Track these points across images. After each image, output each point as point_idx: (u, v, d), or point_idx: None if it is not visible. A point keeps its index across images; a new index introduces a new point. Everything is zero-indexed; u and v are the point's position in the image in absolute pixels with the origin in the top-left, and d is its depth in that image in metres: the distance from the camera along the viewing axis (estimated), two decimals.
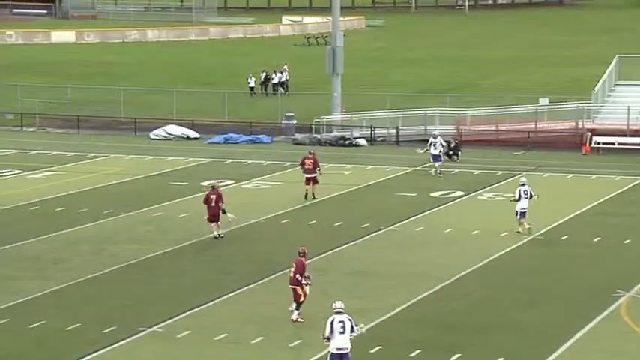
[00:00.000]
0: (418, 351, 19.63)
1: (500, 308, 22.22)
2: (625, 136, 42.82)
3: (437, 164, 36.80)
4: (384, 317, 21.56)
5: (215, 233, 28.16)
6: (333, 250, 26.99)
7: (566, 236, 28.44)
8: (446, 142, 40.20)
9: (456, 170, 38.20)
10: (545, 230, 28.93)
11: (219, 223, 28.21)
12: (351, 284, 23.94)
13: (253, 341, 20.30)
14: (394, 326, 21.14)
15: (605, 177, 36.96)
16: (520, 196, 28.30)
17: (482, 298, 23.04)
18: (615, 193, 34.06)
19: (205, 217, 28.32)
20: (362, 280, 24.47)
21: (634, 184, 35.61)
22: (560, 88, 56.06)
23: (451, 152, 40.38)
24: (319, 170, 33.14)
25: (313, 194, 32.94)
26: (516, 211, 28.33)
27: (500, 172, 37.21)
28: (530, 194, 28.34)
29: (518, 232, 28.26)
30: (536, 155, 41.52)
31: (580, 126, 44.43)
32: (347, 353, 17.48)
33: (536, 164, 39.45)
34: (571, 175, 37.52)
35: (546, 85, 58.51)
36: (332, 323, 17.45)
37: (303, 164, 33.25)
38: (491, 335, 20.59)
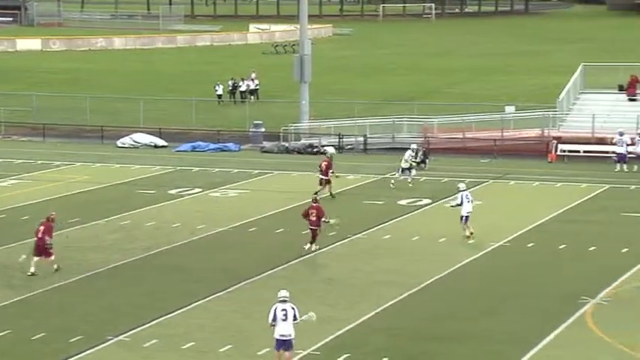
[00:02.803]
0: (386, 359, 19.68)
1: (468, 316, 22.32)
2: (590, 143, 43.21)
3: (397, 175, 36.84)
4: (352, 325, 21.59)
5: (32, 270, 24.97)
6: (301, 259, 26.99)
7: (532, 244, 28.65)
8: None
9: (424, 178, 38.34)
10: (511, 238, 29.12)
11: (50, 258, 25.23)
12: (319, 292, 23.96)
13: (221, 350, 20.25)
14: (362, 334, 21.17)
15: (571, 184, 37.28)
16: (462, 200, 28.70)
17: (450, 305, 23.14)
18: (581, 201, 34.36)
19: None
20: (330, 288, 24.49)
21: (599, 191, 35.96)
22: (526, 96, 56.53)
23: (419, 160, 40.53)
24: (332, 172, 34.63)
25: (331, 193, 34.50)
26: (462, 216, 28.59)
27: (468, 180, 37.37)
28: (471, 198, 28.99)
29: (468, 237, 28.46)
30: (502, 163, 41.79)
31: (546, 134, 44.80)
32: (290, 340, 18.45)
33: (502, 172, 39.71)
34: (537, 183, 37.80)
35: (512, 94, 58.93)
36: (275, 311, 18.42)
37: (321, 167, 34.79)
38: (458, 343, 20.68)
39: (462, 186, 29.39)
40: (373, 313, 22.41)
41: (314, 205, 27.35)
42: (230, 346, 20.37)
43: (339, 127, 46.10)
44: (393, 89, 63.68)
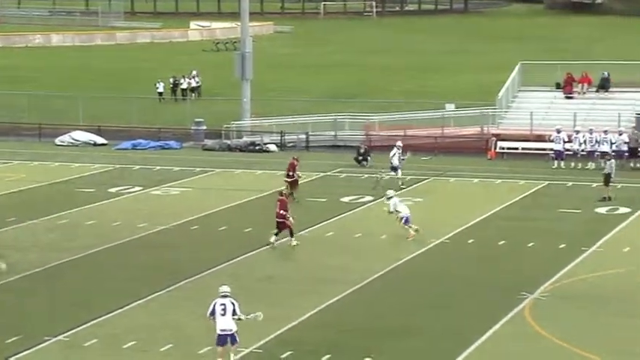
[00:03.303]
0: (328, 356, 19.73)
1: (409, 312, 22.49)
2: (528, 140, 43.81)
3: (393, 173, 36.49)
4: (295, 322, 21.61)
5: None
6: (244, 256, 26.94)
7: (472, 240, 28.95)
8: (355, 147, 40.42)
9: (365, 175, 38.51)
10: (451, 234, 29.39)
11: None
12: (261, 290, 23.94)
13: (162, 349, 20.12)
14: (304, 331, 21.21)
15: (510, 181, 37.74)
16: (398, 206, 28.74)
17: (392, 302, 23.28)
18: (519, 197, 34.81)
19: None
20: (272, 285, 24.49)
21: (537, 188, 36.46)
22: (465, 94, 57.02)
23: (360, 157, 40.73)
24: (291, 174, 33.74)
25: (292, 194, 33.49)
26: (402, 218, 28.61)
27: (409, 177, 37.66)
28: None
29: (416, 231, 28.55)
30: (443, 160, 42.15)
31: (485, 131, 45.33)
32: (232, 334, 18.67)
33: (443, 169, 40.04)
34: (477, 180, 38.20)
35: (452, 91, 59.44)
36: (214, 306, 18.68)
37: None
38: (400, 339, 20.82)
39: (390, 192, 29.48)
40: (316, 310, 22.45)
41: (279, 198, 28.13)
42: (171, 345, 20.25)
43: (281, 125, 46.11)
44: (334, 87, 63.79)
